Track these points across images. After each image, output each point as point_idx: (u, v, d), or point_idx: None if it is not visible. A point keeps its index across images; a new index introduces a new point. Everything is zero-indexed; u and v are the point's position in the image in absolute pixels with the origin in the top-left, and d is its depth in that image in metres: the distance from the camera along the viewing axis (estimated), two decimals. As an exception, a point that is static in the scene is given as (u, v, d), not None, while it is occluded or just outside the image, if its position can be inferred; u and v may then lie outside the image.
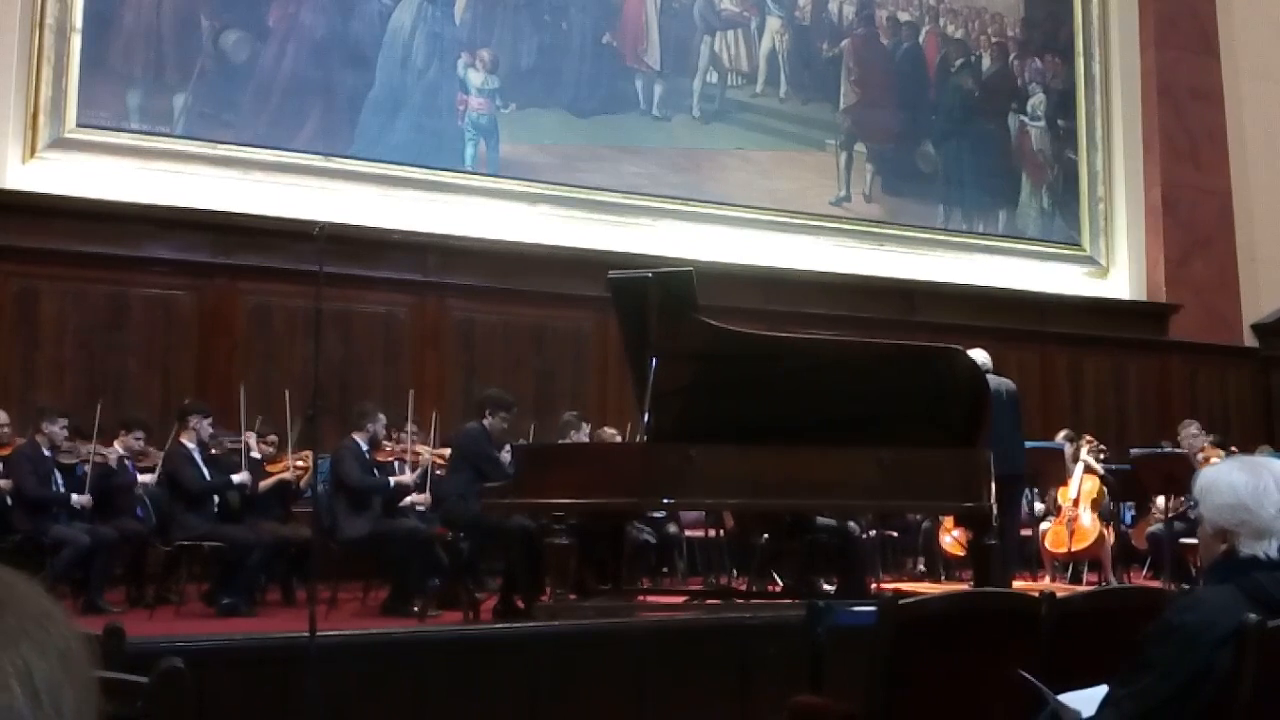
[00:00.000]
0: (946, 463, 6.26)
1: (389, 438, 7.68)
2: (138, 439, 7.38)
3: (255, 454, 7.49)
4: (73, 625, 0.91)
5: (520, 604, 6.53)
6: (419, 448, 7.73)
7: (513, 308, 9.90)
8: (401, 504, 7.33)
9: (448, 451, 7.44)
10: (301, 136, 9.49)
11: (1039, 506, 9.16)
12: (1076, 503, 8.81)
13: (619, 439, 8.46)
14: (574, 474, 6.40)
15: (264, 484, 7.42)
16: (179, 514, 6.96)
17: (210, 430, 7.25)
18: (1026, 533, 8.99)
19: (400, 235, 9.45)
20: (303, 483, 7.48)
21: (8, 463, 6.92)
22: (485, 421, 7.06)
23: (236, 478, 7.10)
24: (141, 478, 7.41)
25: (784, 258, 11.00)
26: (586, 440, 8.00)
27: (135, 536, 7.11)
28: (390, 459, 7.47)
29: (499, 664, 5.26)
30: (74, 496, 6.86)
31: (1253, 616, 2.30)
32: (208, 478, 7.05)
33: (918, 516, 8.96)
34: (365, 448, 7.30)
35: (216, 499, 7.10)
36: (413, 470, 7.46)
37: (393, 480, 7.23)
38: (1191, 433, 9.08)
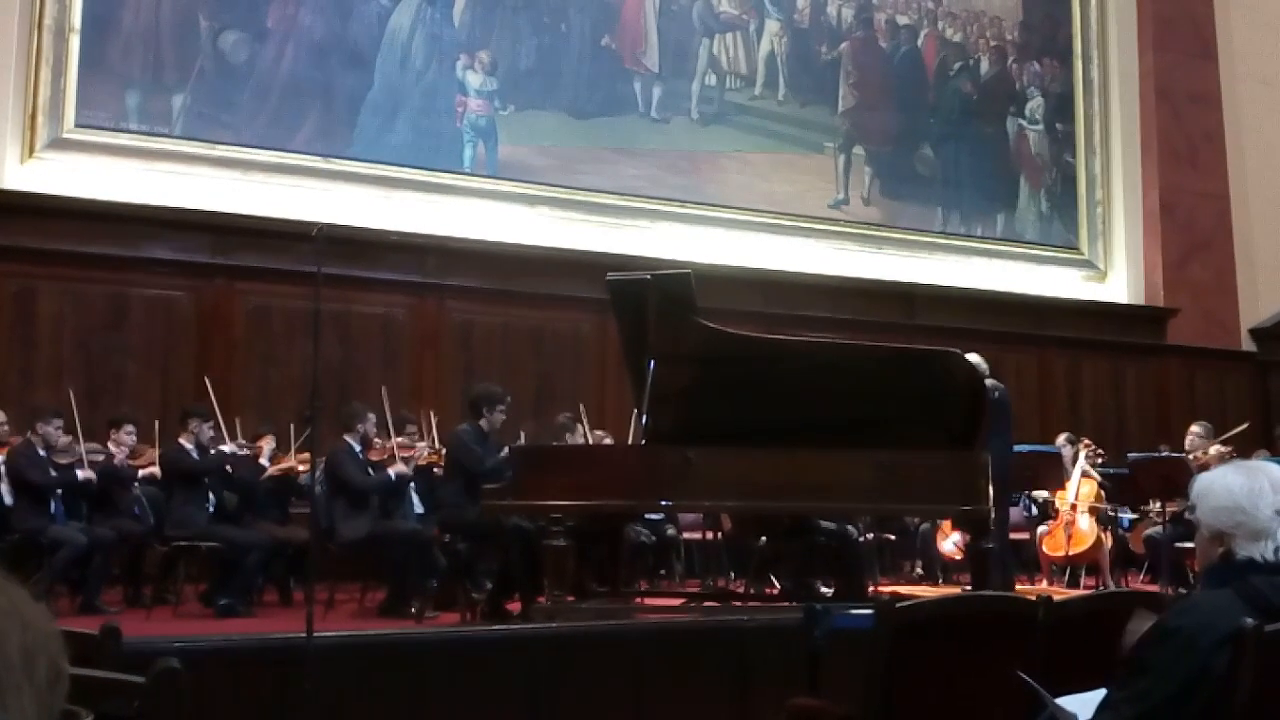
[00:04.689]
0: (944, 466, 6.26)
1: (386, 436, 7.66)
2: (129, 433, 7.37)
3: (264, 460, 7.48)
4: (13, 620, 0.93)
5: (510, 606, 6.54)
6: (418, 444, 7.72)
7: (511, 309, 9.90)
8: (403, 494, 7.31)
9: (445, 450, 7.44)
10: (300, 137, 9.49)
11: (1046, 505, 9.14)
12: (1074, 507, 8.81)
13: (609, 441, 8.45)
14: (572, 476, 6.41)
15: (270, 471, 7.42)
16: (176, 508, 6.96)
17: (210, 433, 7.25)
18: (1024, 536, 9.00)
19: (399, 236, 9.45)
20: (302, 479, 7.46)
21: (6, 462, 6.91)
22: (481, 421, 7.05)
23: (227, 448, 7.08)
24: (143, 471, 7.40)
25: (782, 260, 11.00)
26: (582, 442, 7.99)
27: (133, 537, 7.11)
28: (384, 456, 7.45)
29: (497, 665, 5.26)
30: (79, 472, 6.83)
31: (1250, 621, 2.30)
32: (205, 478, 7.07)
33: (916, 519, 8.96)
34: (358, 448, 7.29)
35: (213, 498, 7.09)
36: (406, 465, 7.42)
37: (393, 472, 7.19)
38: (1197, 433, 9.04)
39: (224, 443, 7.33)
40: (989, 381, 6.96)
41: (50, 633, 0.97)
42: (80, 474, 6.87)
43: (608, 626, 5.88)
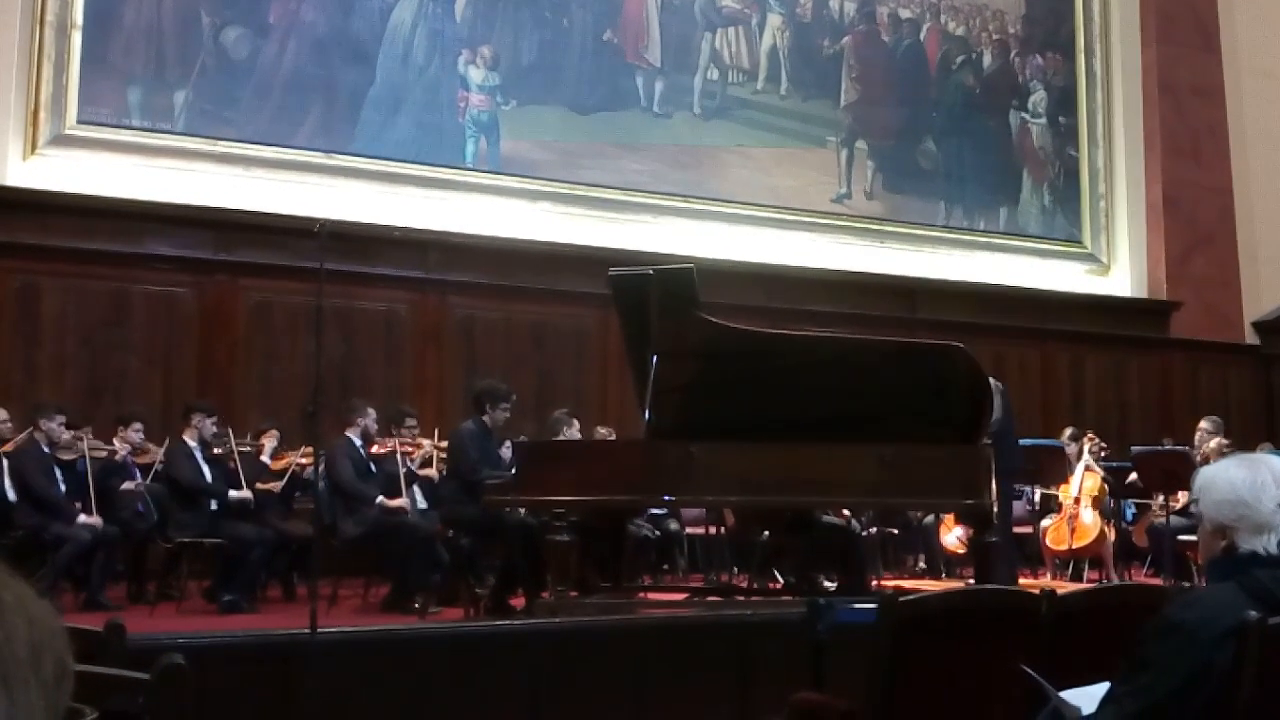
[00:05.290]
0: (947, 460, 6.26)
1: (388, 433, 7.66)
2: (137, 431, 7.38)
3: (265, 458, 7.47)
4: (20, 616, 0.93)
5: (513, 601, 6.54)
6: (421, 440, 7.72)
7: (514, 305, 9.90)
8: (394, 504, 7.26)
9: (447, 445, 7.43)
10: (302, 133, 9.49)
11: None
12: (1078, 500, 8.82)
13: (612, 438, 8.45)
14: (575, 471, 6.41)
15: (277, 486, 7.37)
16: (176, 512, 6.96)
17: (214, 429, 7.24)
18: (1027, 530, 9.00)
19: (401, 232, 9.45)
20: (305, 474, 7.45)
21: (10, 460, 6.91)
22: (485, 417, 7.04)
23: (235, 494, 7.04)
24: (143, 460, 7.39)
25: (785, 255, 11.00)
26: (577, 437, 7.99)
27: (136, 533, 7.12)
28: (387, 451, 7.45)
29: (500, 661, 5.26)
30: (82, 517, 6.78)
31: (1253, 614, 2.30)
32: (207, 476, 7.05)
33: (918, 513, 8.96)
34: (359, 443, 7.28)
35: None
36: (410, 462, 7.41)
37: (382, 499, 7.10)
38: (1206, 428, 9.01)
39: (227, 438, 7.32)
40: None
41: (56, 629, 0.97)
42: (84, 520, 6.84)
43: (611, 622, 5.89)
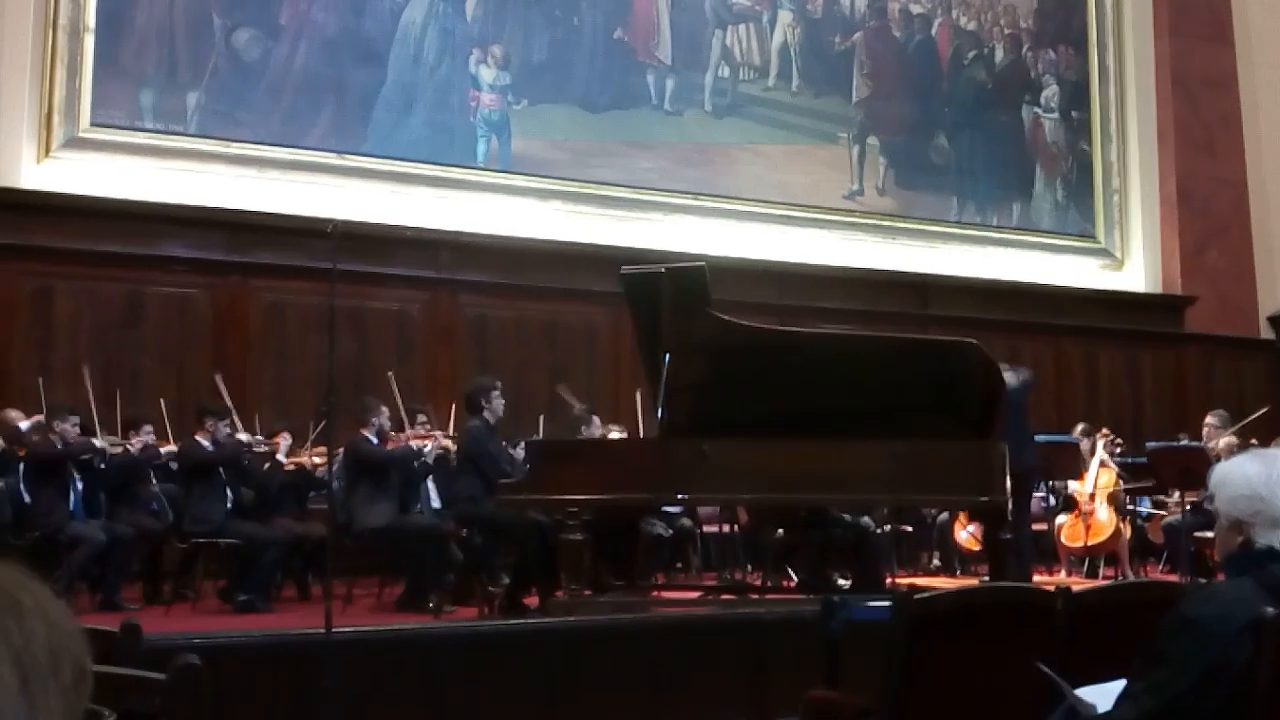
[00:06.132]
0: (961, 456, 6.25)
1: (399, 430, 7.69)
2: (147, 432, 7.41)
3: (281, 456, 7.50)
4: (40, 619, 0.94)
5: (527, 600, 6.55)
6: (433, 431, 7.74)
7: (525, 303, 9.91)
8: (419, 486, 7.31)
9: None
10: (314, 134, 9.51)
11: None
12: (1093, 497, 8.78)
13: (623, 435, 8.45)
14: (588, 469, 6.42)
15: (287, 465, 7.43)
16: (194, 503, 6.97)
17: (226, 432, 7.26)
18: (1042, 527, 8.97)
19: (413, 232, 9.47)
20: (319, 472, 7.47)
21: (25, 463, 6.94)
22: (484, 414, 7.05)
23: (244, 436, 7.11)
24: (163, 449, 7.43)
25: (797, 252, 10.98)
26: (598, 435, 7.99)
27: (151, 533, 7.14)
28: (401, 445, 7.47)
29: (514, 659, 5.27)
30: (95, 442, 6.86)
31: (1270, 610, 2.28)
32: (219, 470, 7.09)
33: (933, 510, 8.94)
34: (375, 442, 7.31)
35: (230, 494, 7.10)
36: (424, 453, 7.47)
37: (414, 444, 7.21)
38: (1213, 424, 8.97)
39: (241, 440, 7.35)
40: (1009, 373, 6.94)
41: (74, 632, 0.98)
42: (98, 442, 6.92)
43: (624, 620, 5.90)
